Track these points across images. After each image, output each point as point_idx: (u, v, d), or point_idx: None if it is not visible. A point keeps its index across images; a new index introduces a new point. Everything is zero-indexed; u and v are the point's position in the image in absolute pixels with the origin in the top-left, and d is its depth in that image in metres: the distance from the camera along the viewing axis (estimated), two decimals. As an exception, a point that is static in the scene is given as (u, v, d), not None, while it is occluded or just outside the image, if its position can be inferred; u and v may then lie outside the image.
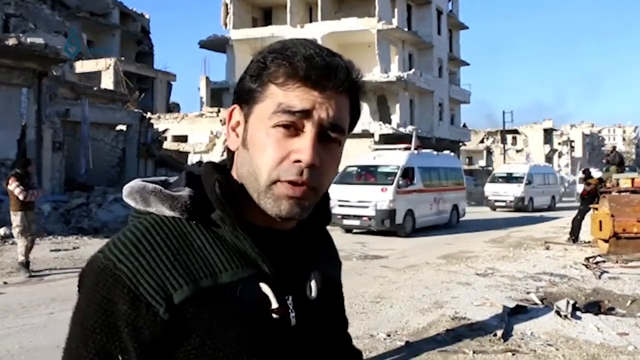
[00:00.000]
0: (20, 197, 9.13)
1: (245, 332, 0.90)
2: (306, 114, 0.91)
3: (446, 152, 22.61)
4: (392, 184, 16.23)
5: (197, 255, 0.91)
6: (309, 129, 0.91)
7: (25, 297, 7.74)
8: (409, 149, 18.51)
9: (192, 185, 0.97)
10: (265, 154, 0.91)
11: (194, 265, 0.90)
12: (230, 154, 1.00)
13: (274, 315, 0.92)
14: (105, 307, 0.87)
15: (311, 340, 0.99)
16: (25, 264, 9.26)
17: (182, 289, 0.88)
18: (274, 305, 0.92)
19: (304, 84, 0.91)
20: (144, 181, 0.99)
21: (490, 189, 30.42)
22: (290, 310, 0.95)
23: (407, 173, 16.95)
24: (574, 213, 16.07)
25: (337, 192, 15.44)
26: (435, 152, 20.53)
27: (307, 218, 0.99)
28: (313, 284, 1.00)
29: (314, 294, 0.99)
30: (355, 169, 17.66)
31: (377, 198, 15.87)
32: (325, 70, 0.92)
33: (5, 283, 8.65)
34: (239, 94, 0.98)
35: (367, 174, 17.34)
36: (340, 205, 15.82)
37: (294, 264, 0.99)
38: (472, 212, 25.04)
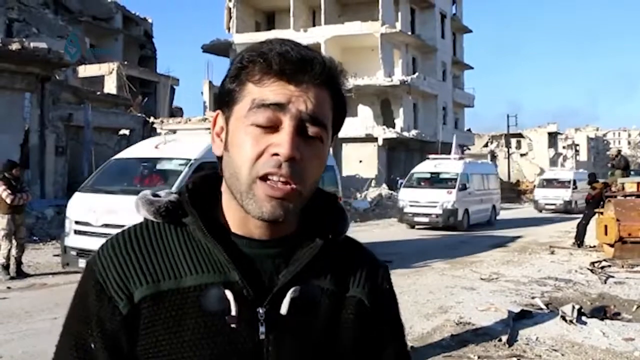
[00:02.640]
0: (8, 200, 9.21)
1: (202, 338, 0.90)
2: (281, 107, 0.89)
3: None
4: None
5: (165, 257, 0.94)
6: (287, 123, 0.89)
7: (29, 302, 7.74)
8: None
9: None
10: (244, 151, 0.90)
11: (160, 266, 0.93)
12: (220, 160, 0.99)
13: (232, 325, 0.90)
14: (82, 298, 0.94)
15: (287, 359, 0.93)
16: (6, 267, 9.38)
17: (142, 287, 0.91)
18: (233, 313, 0.90)
19: (279, 79, 0.90)
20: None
21: (407, 197, 19.84)
22: (260, 323, 0.91)
23: None
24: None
25: (90, 203, 9.00)
26: None
27: (310, 229, 0.99)
28: (287, 299, 0.93)
29: (283, 310, 0.92)
30: (135, 164, 10.09)
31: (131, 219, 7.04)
32: (300, 64, 0.90)
33: (8, 288, 8.66)
34: (220, 98, 0.98)
35: (152, 176, 9.78)
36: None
37: (278, 276, 0.94)
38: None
